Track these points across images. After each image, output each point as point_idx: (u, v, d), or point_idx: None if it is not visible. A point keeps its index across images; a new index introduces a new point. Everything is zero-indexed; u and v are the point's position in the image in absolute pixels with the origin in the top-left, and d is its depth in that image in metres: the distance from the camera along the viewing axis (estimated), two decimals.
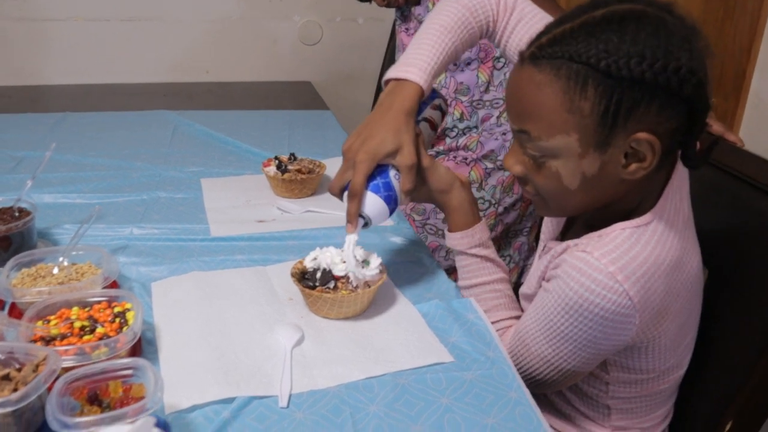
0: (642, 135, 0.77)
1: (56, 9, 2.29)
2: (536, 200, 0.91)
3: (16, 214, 1.09)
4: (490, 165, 1.59)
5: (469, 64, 1.52)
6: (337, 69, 2.59)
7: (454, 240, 1.03)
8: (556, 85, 0.77)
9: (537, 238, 1.74)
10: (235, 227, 1.21)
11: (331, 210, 1.30)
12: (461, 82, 1.53)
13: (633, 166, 0.80)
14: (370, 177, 0.93)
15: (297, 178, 1.34)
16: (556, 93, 0.77)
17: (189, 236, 1.18)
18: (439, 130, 1.06)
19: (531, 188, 0.89)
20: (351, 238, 0.94)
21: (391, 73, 0.98)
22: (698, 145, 0.82)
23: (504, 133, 1.58)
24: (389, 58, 2.42)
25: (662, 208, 0.85)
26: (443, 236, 1.60)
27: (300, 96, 2.36)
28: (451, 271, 1.65)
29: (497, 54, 1.52)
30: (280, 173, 1.35)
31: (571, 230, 0.99)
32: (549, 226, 1.05)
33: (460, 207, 1.01)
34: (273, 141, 1.74)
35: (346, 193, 0.94)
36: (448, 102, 1.55)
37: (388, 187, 0.94)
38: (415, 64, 0.96)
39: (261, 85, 2.48)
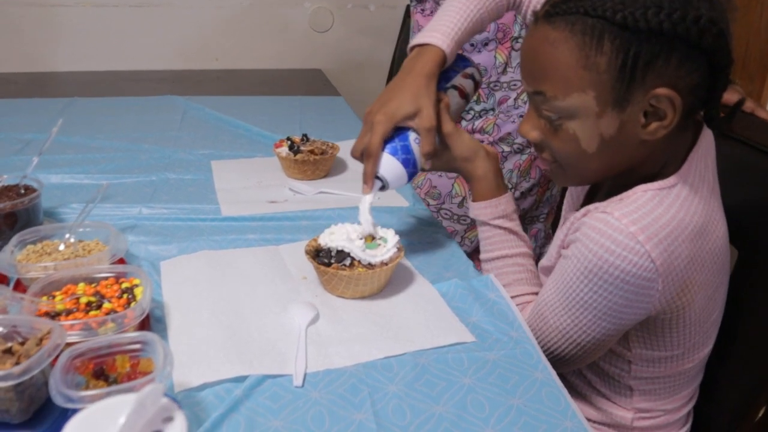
0: (661, 90, 0.74)
1: None
2: (553, 168, 0.88)
3: (22, 191, 1.06)
4: (506, 148, 1.55)
5: (486, 44, 1.48)
6: (348, 56, 2.56)
7: (477, 210, 1.00)
8: (571, 41, 0.75)
9: (554, 226, 1.69)
10: (247, 207, 1.18)
11: (345, 191, 1.26)
12: (478, 63, 1.48)
13: (653, 125, 0.77)
14: (390, 140, 0.92)
15: (310, 159, 1.30)
16: (571, 49, 0.75)
17: (199, 216, 1.15)
18: (471, 98, 1.03)
19: (548, 155, 0.86)
20: (366, 199, 0.92)
21: (415, 40, 0.96)
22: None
23: (521, 116, 1.54)
24: (401, 46, 2.38)
25: (687, 172, 0.81)
26: (458, 221, 1.58)
27: (311, 83, 2.33)
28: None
29: (515, 34, 1.47)
30: (292, 154, 1.31)
31: (592, 203, 0.94)
32: (569, 199, 1.01)
33: (484, 177, 0.98)
34: (284, 125, 1.70)
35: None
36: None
37: (407, 150, 0.92)
38: (438, 29, 0.94)
39: (271, 72, 2.44)
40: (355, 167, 1.39)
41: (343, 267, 0.89)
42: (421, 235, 1.12)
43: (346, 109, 1.94)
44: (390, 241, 0.91)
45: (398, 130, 0.92)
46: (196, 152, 1.48)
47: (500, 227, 0.98)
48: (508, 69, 1.51)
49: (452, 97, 0.97)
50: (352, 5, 2.50)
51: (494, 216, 0.98)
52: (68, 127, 1.62)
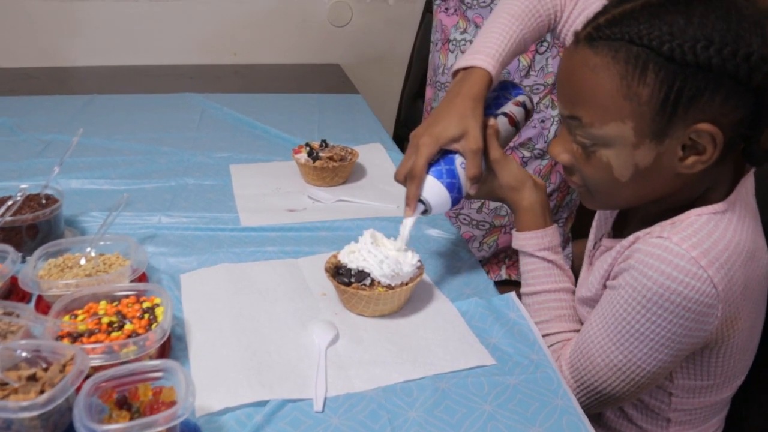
0: (704, 126, 0.71)
1: None
2: (582, 191, 0.86)
3: (44, 201, 1.06)
4: (527, 153, 1.53)
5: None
6: (367, 51, 2.54)
7: (522, 240, 0.96)
8: (613, 68, 0.72)
9: (572, 230, 1.68)
10: (266, 217, 1.18)
11: (364, 200, 1.25)
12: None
13: (691, 159, 0.75)
14: (435, 163, 0.90)
15: (329, 166, 1.29)
16: (612, 77, 0.72)
17: (218, 225, 1.15)
18: (522, 127, 1.00)
19: (578, 178, 0.84)
20: (408, 223, 0.91)
21: (459, 63, 0.94)
22: None
23: (542, 121, 1.52)
24: (420, 40, 2.36)
25: (735, 200, 0.79)
26: (477, 226, 1.57)
27: (328, 79, 2.31)
28: (484, 263, 1.60)
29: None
30: (311, 160, 1.31)
31: (627, 228, 0.92)
32: (599, 222, 0.99)
33: (531, 208, 0.95)
34: (302, 125, 1.69)
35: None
36: None
37: (452, 174, 0.90)
38: (483, 51, 0.92)
39: (289, 67, 2.43)
40: (374, 173, 1.39)
41: (363, 287, 0.89)
42: (440, 248, 1.11)
43: (365, 107, 1.93)
44: (410, 259, 0.90)
45: (444, 154, 0.90)
46: (214, 155, 1.48)
47: (545, 259, 0.95)
48: (531, 72, 1.49)
49: (502, 125, 0.94)
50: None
51: (540, 248, 0.95)
52: (88, 127, 1.62)
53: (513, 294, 0.96)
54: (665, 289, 0.76)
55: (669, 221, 0.80)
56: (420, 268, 0.92)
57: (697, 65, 0.69)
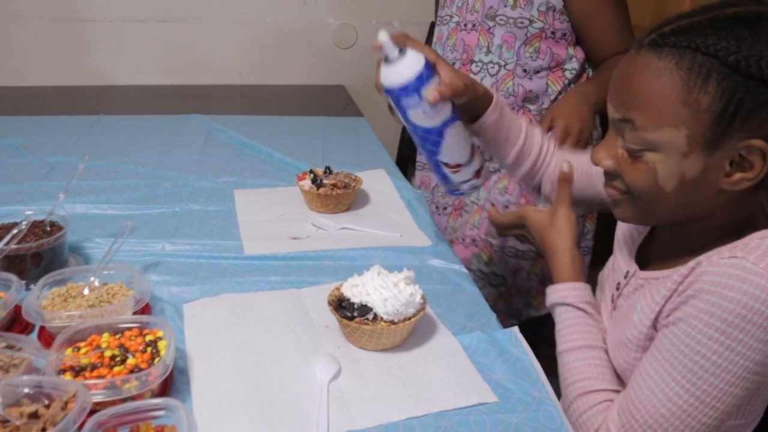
0: (757, 142, 0.72)
1: (92, 10, 2.28)
2: (622, 199, 0.84)
3: (48, 228, 1.07)
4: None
5: (538, 72, 1.45)
6: (372, 73, 2.51)
7: (563, 291, 0.95)
8: (675, 74, 0.73)
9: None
10: (269, 245, 1.18)
11: (367, 228, 1.25)
12: (530, 90, 1.46)
13: (737, 176, 0.74)
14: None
15: (333, 193, 1.30)
16: (674, 82, 0.73)
17: (222, 254, 1.15)
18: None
19: (620, 184, 0.83)
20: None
21: None
22: None
23: None
24: None
25: None
26: (523, 257, 1.51)
27: (333, 100, 2.33)
28: (533, 294, 1.55)
29: (475, 57, 1.48)
30: (315, 187, 1.31)
31: (657, 261, 0.89)
32: (619, 260, 0.96)
33: (569, 255, 0.97)
34: (306, 149, 1.70)
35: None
36: (516, 110, 1.48)
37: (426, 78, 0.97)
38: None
39: (294, 88, 2.45)
40: (377, 200, 1.39)
41: (366, 321, 0.89)
42: (443, 279, 1.11)
43: (368, 131, 1.94)
44: (413, 293, 0.90)
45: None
46: (218, 180, 1.48)
47: (587, 312, 0.93)
48: (561, 97, 1.47)
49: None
50: (376, 21, 2.49)
51: (583, 299, 0.93)
52: (93, 149, 1.65)
53: (516, 329, 0.96)
54: (748, 310, 0.72)
55: (728, 246, 0.77)
56: (423, 303, 0.92)
57: (761, 80, 0.69)
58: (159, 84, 2.36)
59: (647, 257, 0.93)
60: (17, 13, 2.24)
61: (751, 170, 0.73)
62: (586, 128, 1.39)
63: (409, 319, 0.90)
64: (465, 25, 1.49)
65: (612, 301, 0.95)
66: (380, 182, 1.47)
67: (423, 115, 0.99)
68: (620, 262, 0.96)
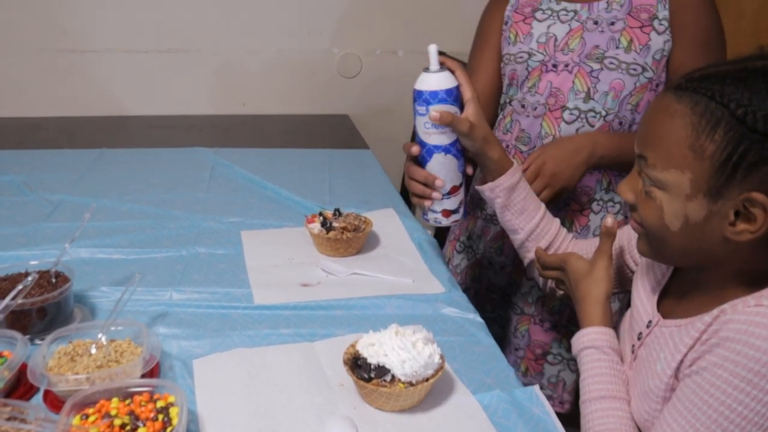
0: (758, 195, 0.72)
1: (96, 41, 2.26)
2: (641, 234, 0.87)
3: (53, 280, 1.04)
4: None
5: (535, 108, 1.34)
6: (376, 102, 2.54)
7: (592, 335, 0.93)
8: (688, 118, 0.75)
9: None
10: (279, 293, 1.15)
11: (378, 273, 1.23)
12: (523, 129, 1.38)
13: (741, 226, 0.75)
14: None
15: (342, 237, 1.27)
16: (685, 126, 0.75)
17: (231, 303, 1.12)
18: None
19: (638, 217, 0.85)
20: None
21: None
22: None
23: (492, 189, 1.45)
24: None
25: None
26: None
27: (338, 130, 2.31)
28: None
29: (568, 103, 1.30)
30: (324, 231, 1.29)
31: (673, 312, 0.88)
32: (639, 307, 0.95)
33: (602, 300, 0.96)
34: (313, 185, 1.68)
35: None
36: (508, 149, 1.41)
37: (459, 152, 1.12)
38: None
39: (298, 118, 2.43)
40: (388, 243, 1.37)
41: (384, 383, 0.86)
42: (458, 330, 1.08)
43: (374, 164, 1.92)
44: (432, 355, 0.88)
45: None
46: (225, 220, 1.46)
47: (613, 359, 0.91)
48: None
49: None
50: (380, 51, 2.48)
51: (611, 345, 0.92)
52: (97, 187, 1.63)
53: (536, 387, 0.93)
54: None
55: (753, 295, 0.76)
56: (441, 362, 0.90)
57: (765, 134, 0.70)
58: (162, 114, 2.34)
59: (669, 307, 0.91)
60: (20, 45, 2.23)
61: (754, 222, 0.74)
62: (565, 178, 1.22)
63: (428, 379, 0.87)
64: (555, 65, 1.30)
65: (632, 351, 0.93)
66: (390, 223, 1.44)
67: (423, 127, 1.09)
68: (641, 311, 0.94)
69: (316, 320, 1.09)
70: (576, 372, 1.41)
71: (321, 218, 1.32)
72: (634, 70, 1.23)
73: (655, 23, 1.22)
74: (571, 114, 1.29)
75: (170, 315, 1.09)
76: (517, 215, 1.14)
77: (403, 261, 1.29)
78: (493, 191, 1.12)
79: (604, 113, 1.27)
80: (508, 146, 1.40)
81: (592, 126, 1.28)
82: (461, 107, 1.08)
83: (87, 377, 0.84)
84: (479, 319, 1.12)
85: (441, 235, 2.18)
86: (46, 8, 2.20)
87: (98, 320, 1.04)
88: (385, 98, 2.54)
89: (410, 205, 1.89)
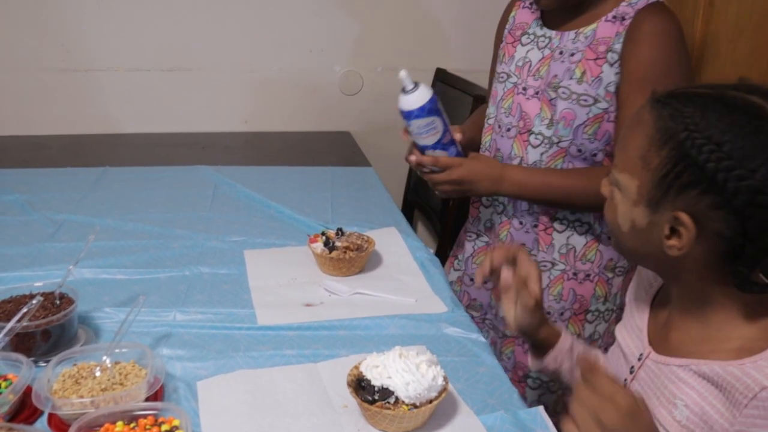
0: (683, 215, 0.74)
1: (99, 60, 2.28)
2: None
3: (58, 302, 1.05)
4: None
5: (509, 130, 1.36)
6: (377, 119, 2.55)
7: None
8: (649, 129, 0.77)
9: None
10: (283, 314, 1.15)
11: (381, 293, 1.23)
12: (498, 149, 1.39)
13: (671, 241, 0.77)
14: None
15: (345, 257, 1.28)
16: (644, 136, 0.78)
17: (234, 324, 1.13)
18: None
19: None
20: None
21: None
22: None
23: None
24: None
25: None
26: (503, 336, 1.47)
27: (339, 148, 2.32)
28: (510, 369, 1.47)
29: (534, 128, 1.31)
30: (327, 251, 1.29)
31: (666, 344, 0.86)
32: (628, 340, 0.94)
33: None
34: (315, 204, 1.68)
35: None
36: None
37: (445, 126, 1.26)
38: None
39: (299, 135, 2.44)
40: (390, 262, 1.37)
41: (387, 405, 0.86)
42: (461, 350, 1.08)
43: (376, 181, 1.93)
44: (435, 378, 0.88)
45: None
46: (228, 239, 1.46)
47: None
48: (523, 164, 1.39)
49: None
50: (381, 68, 2.50)
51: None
52: (100, 206, 1.64)
53: (541, 408, 0.93)
54: None
55: None
56: (445, 384, 0.90)
57: (695, 161, 0.71)
58: (165, 132, 2.35)
59: (659, 340, 0.88)
60: (23, 64, 2.24)
61: (680, 240, 0.75)
62: (468, 193, 1.30)
63: (432, 401, 0.87)
64: (525, 89, 1.33)
65: (624, 385, 0.91)
66: (392, 242, 1.45)
67: (413, 135, 1.28)
68: (629, 344, 0.93)
69: (320, 340, 1.09)
70: (555, 392, 1.40)
71: (324, 238, 1.32)
72: (585, 100, 1.23)
73: (609, 55, 1.22)
74: (536, 138, 1.31)
75: (174, 336, 1.09)
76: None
77: (405, 280, 1.30)
78: (556, 360, 1.03)
79: (559, 140, 1.28)
80: None
81: (553, 151, 1.30)
82: (441, 113, 1.23)
83: (92, 401, 0.84)
84: (482, 339, 1.12)
85: (442, 252, 2.19)
86: (49, 28, 2.22)
87: (103, 342, 1.04)
88: (387, 115, 2.54)
89: (411, 222, 1.90)
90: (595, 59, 1.23)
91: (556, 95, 1.27)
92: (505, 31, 1.41)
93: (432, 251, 1.47)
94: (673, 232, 0.76)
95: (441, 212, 2.22)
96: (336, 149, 2.30)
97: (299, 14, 2.36)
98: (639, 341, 0.91)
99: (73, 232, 1.49)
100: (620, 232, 0.83)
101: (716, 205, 0.72)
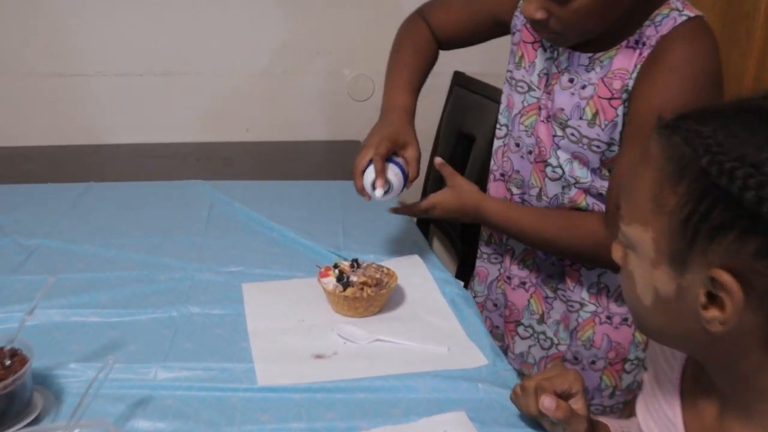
0: (721, 274, 0.53)
1: (85, 63, 2.09)
2: None
3: (7, 362, 0.84)
4: (551, 293, 1.23)
5: (530, 152, 1.17)
6: None
7: None
8: (658, 161, 0.58)
9: None
10: (288, 369, 0.95)
11: (405, 340, 1.03)
12: (517, 171, 1.21)
13: (712, 313, 0.55)
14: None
15: (362, 296, 1.07)
16: (653, 171, 0.59)
17: (229, 384, 0.92)
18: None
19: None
20: (378, 194, 1.12)
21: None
22: None
23: None
24: (448, 114, 2.19)
25: None
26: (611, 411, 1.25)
27: (349, 158, 2.09)
28: None
29: (550, 160, 1.12)
30: (341, 287, 1.09)
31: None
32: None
33: None
34: (325, 226, 1.47)
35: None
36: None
37: (402, 169, 1.16)
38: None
39: (305, 144, 2.24)
40: (415, 298, 1.16)
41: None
42: (509, 420, 0.87)
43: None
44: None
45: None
46: (223, 269, 1.26)
47: None
48: (543, 195, 1.19)
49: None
50: None
51: None
52: (80, 228, 1.44)
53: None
54: None
55: None
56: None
57: (727, 192, 0.52)
58: (158, 142, 2.15)
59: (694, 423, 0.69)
60: (3, 68, 2.05)
61: (723, 311, 0.55)
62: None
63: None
64: (540, 108, 1.13)
65: None
66: (415, 273, 1.24)
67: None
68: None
69: (334, 406, 0.88)
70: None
71: (336, 272, 1.12)
72: (597, 147, 1.05)
73: (624, 96, 1.00)
74: (554, 172, 1.12)
75: (154, 401, 0.88)
76: None
77: (434, 322, 1.09)
78: None
79: (576, 181, 1.10)
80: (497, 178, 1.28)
81: (573, 193, 1.11)
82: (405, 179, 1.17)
83: None
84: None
85: (462, 273, 1.98)
86: (30, 29, 2.02)
87: (58, 422, 0.83)
88: None
89: (427, 238, 1.69)
90: (610, 99, 1.02)
91: (563, 135, 1.08)
92: (518, 22, 1.17)
93: (462, 284, 1.26)
94: (712, 298, 0.55)
95: (461, 229, 2.02)
96: (345, 160, 2.08)
97: (304, 13, 2.17)
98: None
99: (45, 261, 1.28)
100: (641, 306, 0.63)
101: (765, 250, 0.51)
